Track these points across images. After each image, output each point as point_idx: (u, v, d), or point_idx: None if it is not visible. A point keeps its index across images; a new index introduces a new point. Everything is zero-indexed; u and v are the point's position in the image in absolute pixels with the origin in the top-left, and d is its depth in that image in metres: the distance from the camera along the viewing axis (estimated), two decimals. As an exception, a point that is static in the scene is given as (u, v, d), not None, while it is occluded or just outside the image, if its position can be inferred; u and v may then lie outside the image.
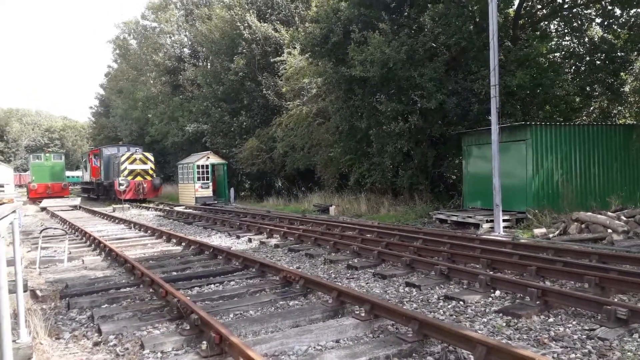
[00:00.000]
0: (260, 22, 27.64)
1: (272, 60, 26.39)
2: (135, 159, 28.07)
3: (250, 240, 12.23)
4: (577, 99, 18.20)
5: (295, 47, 24.17)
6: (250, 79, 27.94)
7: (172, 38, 41.06)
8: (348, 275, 7.88)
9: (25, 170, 65.25)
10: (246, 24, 27.36)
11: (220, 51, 30.01)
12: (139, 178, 27.89)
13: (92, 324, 5.54)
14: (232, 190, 27.33)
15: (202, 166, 26.86)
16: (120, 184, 26.81)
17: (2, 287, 3.12)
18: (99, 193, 34.21)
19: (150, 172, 28.70)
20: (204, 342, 4.57)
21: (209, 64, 36.34)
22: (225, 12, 30.06)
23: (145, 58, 43.12)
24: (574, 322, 5.11)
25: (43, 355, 4.40)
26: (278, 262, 8.95)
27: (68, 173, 43.24)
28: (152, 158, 29.27)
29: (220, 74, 29.81)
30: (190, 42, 39.56)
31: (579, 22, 17.70)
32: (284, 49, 25.83)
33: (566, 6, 17.39)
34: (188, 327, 5.00)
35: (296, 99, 24.05)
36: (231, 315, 5.74)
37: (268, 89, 26.58)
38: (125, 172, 27.50)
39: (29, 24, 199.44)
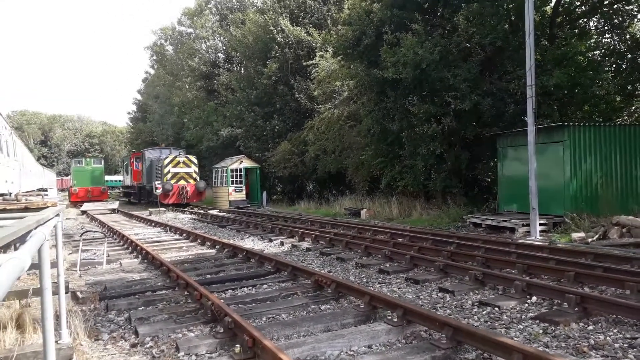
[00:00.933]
0: (293, 26, 27.83)
1: (304, 63, 26.53)
2: (178, 162, 27.53)
3: (282, 243, 12.32)
4: (618, 98, 17.63)
5: (327, 50, 24.24)
6: (282, 82, 28.18)
7: (207, 43, 41.76)
8: (380, 279, 7.83)
9: (67, 175, 67.56)
10: (279, 28, 27.61)
11: (254, 55, 30.36)
12: (182, 182, 27.36)
13: (129, 326, 5.69)
14: (264, 193, 27.51)
15: (236, 170, 27.04)
16: (155, 188, 26.44)
17: (46, 289, 3.23)
18: (141, 197, 33.79)
19: (194, 175, 28.04)
20: (237, 345, 4.62)
21: (242, 69, 36.82)
22: (258, 16, 30.40)
23: (180, 63, 43.97)
24: (614, 330, 4.95)
25: (83, 356, 4.53)
26: (310, 266, 8.98)
27: (106, 177, 44.41)
28: (195, 161, 28.58)
29: (253, 79, 30.15)
30: (224, 47, 40.17)
31: (620, 18, 17.13)
32: (316, 52, 25.95)
33: (606, 2, 16.84)
34: (222, 330, 5.08)
35: (328, 102, 24.12)
36: (264, 319, 5.79)
37: (300, 92, 26.73)
38: (169, 176, 26.99)
39: (70, 33, 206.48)
